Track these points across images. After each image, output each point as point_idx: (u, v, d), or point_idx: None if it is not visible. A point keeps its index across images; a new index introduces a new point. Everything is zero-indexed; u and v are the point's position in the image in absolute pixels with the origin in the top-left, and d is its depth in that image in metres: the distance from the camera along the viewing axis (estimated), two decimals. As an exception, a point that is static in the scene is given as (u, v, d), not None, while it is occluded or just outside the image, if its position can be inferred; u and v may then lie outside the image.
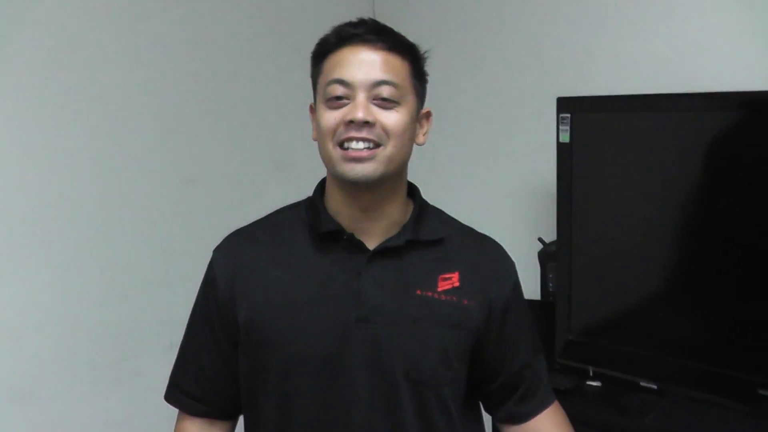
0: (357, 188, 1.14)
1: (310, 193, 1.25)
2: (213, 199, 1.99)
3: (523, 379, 1.26)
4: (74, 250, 1.75)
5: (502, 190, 2.13)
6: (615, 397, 1.69)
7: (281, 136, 2.11)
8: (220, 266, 1.21)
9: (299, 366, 1.16)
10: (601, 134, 1.73)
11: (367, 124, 1.10)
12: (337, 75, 1.11)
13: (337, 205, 1.19)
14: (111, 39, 1.78)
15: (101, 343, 1.80)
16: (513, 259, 1.29)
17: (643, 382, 1.67)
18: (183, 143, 1.94)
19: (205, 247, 1.26)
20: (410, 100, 1.15)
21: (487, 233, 1.29)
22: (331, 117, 1.12)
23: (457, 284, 1.19)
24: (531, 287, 1.90)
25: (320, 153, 1.16)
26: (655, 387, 1.66)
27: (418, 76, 1.17)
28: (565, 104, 1.72)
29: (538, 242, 1.90)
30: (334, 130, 1.11)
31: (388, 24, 1.17)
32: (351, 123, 1.10)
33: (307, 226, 1.21)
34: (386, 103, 1.11)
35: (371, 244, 1.18)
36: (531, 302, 1.85)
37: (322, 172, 1.22)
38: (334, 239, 1.18)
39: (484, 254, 1.25)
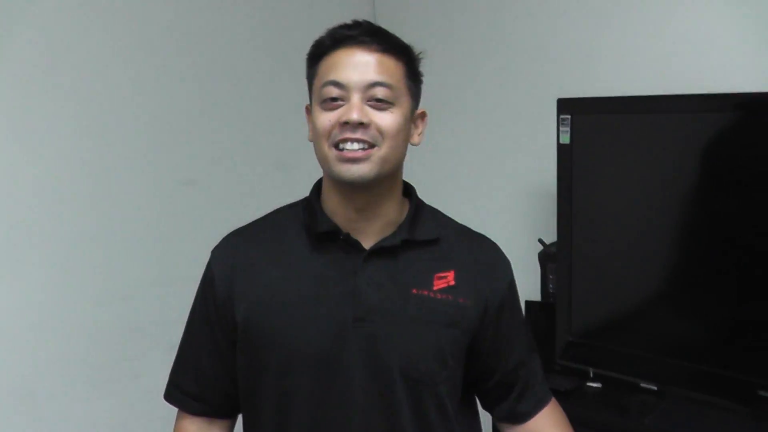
0: (352, 188, 1.15)
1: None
2: (213, 200, 2.00)
3: (519, 376, 1.28)
4: (74, 250, 1.75)
5: (502, 191, 2.13)
6: (615, 398, 1.69)
7: (281, 136, 2.11)
8: (218, 266, 1.23)
9: (297, 365, 1.17)
10: (601, 135, 1.73)
11: (361, 125, 1.11)
12: (332, 77, 1.12)
13: (334, 206, 1.20)
14: (110, 38, 1.78)
15: (100, 345, 1.80)
16: (513, 260, 1.29)
17: (643, 384, 1.66)
18: (183, 143, 1.94)
19: (205, 248, 1.27)
20: (405, 100, 1.16)
21: (487, 234, 1.30)
22: (326, 118, 1.13)
23: (452, 283, 1.20)
24: (531, 288, 1.91)
25: (316, 154, 1.17)
26: (655, 388, 1.65)
27: (413, 77, 1.18)
28: (565, 105, 1.73)
29: (539, 243, 1.90)
30: (330, 132, 1.12)
31: (390, 25, 1.18)
32: (346, 124, 1.11)
33: (304, 227, 1.22)
34: (381, 104, 1.13)
35: (367, 244, 1.19)
36: (531, 303, 1.87)
37: (321, 173, 1.23)
38: (331, 239, 1.19)
39: (480, 253, 1.26)
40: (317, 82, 1.15)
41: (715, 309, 1.58)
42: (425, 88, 1.24)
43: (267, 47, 2.11)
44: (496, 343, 1.24)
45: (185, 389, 1.26)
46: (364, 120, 1.11)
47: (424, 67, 1.22)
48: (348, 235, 1.18)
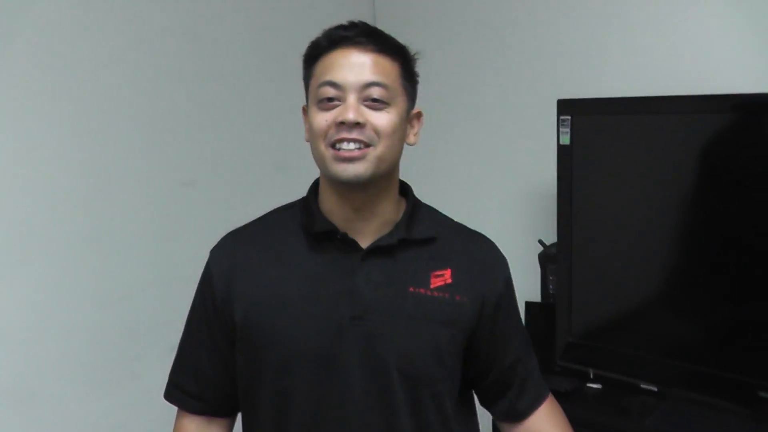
0: (349, 188, 1.16)
1: (308, 194, 1.27)
2: (213, 201, 2.00)
3: (516, 373, 1.28)
4: (73, 251, 1.75)
5: (502, 191, 2.13)
6: (615, 399, 1.69)
7: (280, 137, 2.11)
8: (217, 266, 1.23)
9: (295, 364, 1.17)
10: (601, 136, 1.73)
11: (357, 125, 1.11)
12: (328, 77, 1.13)
13: (331, 205, 1.20)
14: (109, 39, 1.79)
15: (100, 345, 1.80)
16: (513, 260, 1.30)
17: (643, 385, 1.66)
18: (183, 144, 1.94)
19: (205, 249, 1.27)
20: (400, 101, 1.16)
21: (487, 235, 1.30)
22: (322, 118, 1.13)
23: (449, 281, 1.21)
24: (531, 289, 1.91)
25: (313, 154, 1.18)
26: (655, 389, 1.66)
27: (409, 77, 1.19)
28: (565, 106, 1.73)
29: (539, 244, 1.90)
30: (326, 132, 1.13)
31: (390, 25, 1.19)
32: (342, 124, 1.11)
33: (302, 226, 1.22)
34: (376, 104, 1.13)
35: (364, 243, 1.19)
36: (531, 304, 1.87)
37: (319, 173, 1.23)
38: (328, 239, 1.20)
39: (477, 251, 1.26)
40: (314, 83, 1.16)
41: (715, 310, 1.58)
42: (426, 89, 1.24)
43: (266, 48, 2.11)
44: (493, 340, 1.25)
45: (185, 389, 1.27)
46: (360, 120, 1.11)
47: (424, 68, 1.23)
48: (345, 235, 1.19)
